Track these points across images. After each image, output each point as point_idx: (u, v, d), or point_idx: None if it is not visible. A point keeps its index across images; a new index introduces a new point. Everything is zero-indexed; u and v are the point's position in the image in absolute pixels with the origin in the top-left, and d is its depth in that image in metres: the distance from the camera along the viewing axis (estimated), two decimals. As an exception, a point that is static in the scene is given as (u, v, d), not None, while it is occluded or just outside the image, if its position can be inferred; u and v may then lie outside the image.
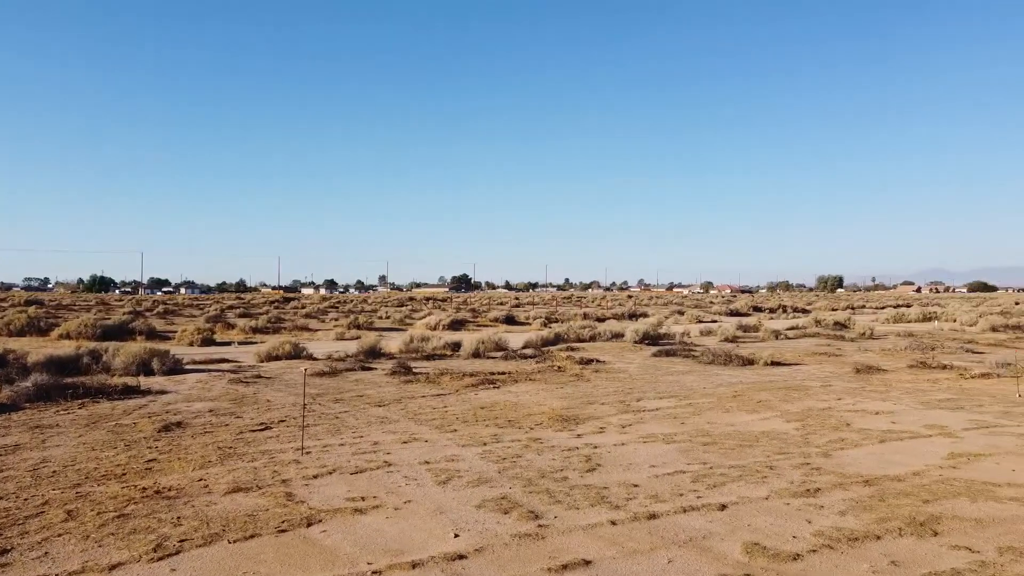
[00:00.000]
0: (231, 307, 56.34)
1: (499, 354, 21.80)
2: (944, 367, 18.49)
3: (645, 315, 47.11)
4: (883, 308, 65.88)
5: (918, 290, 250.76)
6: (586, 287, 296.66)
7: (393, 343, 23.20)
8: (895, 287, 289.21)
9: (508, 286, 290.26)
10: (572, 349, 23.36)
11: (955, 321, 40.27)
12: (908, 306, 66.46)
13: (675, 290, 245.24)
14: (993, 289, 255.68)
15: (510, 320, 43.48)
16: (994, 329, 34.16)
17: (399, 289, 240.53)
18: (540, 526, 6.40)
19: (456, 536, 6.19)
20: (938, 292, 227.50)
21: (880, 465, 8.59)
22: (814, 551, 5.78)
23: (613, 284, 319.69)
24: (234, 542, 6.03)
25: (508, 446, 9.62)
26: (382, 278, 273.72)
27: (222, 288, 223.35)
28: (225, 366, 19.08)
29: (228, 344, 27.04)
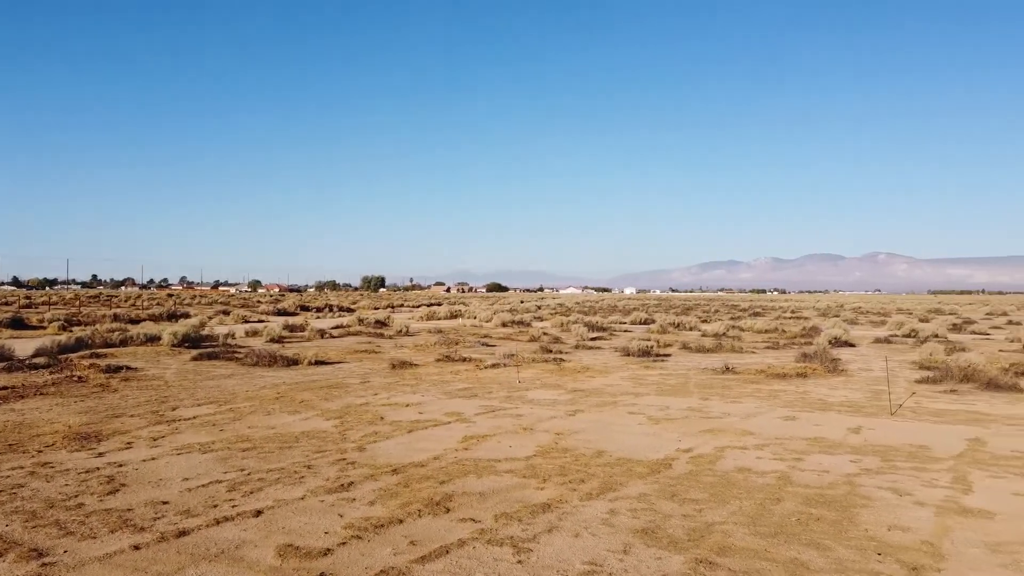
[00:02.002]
0: None
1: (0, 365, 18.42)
2: (464, 360, 21.00)
3: (187, 315, 44.22)
4: (419, 307, 72.23)
5: (448, 290, 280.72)
6: (118, 284, 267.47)
7: None
8: (430, 287, 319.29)
9: (17, 283, 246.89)
10: (98, 356, 20.84)
11: (475, 318, 45.98)
12: (439, 304, 74.01)
13: (221, 289, 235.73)
14: (505, 289, 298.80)
15: (18, 323, 36.94)
16: (504, 325, 39.92)
17: None
18: (45, 565, 5.59)
19: (-74, 595, 5.08)
20: (464, 292, 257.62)
21: (407, 453, 9.42)
22: (344, 543, 6.09)
23: (151, 282, 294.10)
24: None
25: (6, 476, 8.20)
26: None
27: None
28: None
29: None
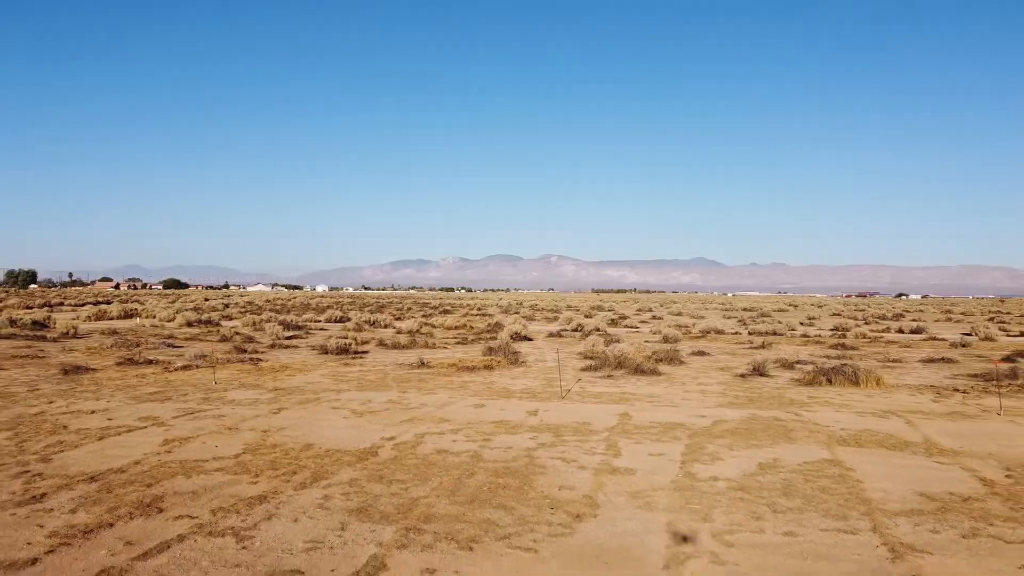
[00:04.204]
0: None
1: None
2: (150, 362, 19.75)
3: None
4: (83, 305, 64.71)
5: (117, 287, 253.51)
6: None
7: None
8: (94, 283, 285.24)
9: None
10: None
11: (155, 317, 42.65)
12: (109, 303, 66.87)
13: None
14: (185, 286, 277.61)
15: None
16: (189, 324, 37.69)
17: None
18: None
19: None
20: (136, 289, 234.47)
21: (103, 460, 9.01)
22: (52, 551, 5.91)
23: None
24: None
25: None
26: None
27: None
28: None
29: None
